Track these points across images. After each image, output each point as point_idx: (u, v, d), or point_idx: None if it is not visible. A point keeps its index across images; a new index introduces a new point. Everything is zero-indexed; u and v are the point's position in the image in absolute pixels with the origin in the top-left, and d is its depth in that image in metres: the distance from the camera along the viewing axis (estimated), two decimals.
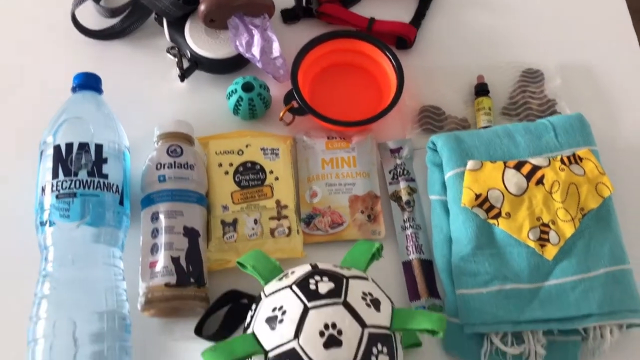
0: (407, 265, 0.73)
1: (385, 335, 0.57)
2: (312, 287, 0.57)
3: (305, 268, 0.61)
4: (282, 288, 0.59)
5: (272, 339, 0.56)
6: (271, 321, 0.57)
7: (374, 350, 0.56)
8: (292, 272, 0.61)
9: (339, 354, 0.54)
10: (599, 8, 0.90)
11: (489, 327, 0.66)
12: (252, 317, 0.60)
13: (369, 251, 0.65)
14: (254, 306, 0.60)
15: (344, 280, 0.59)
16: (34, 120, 0.73)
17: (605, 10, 0.90)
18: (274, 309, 0.57)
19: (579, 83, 0.85)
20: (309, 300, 0.56)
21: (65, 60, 0.83)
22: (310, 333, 0.55)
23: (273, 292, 0.59)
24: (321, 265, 0.61)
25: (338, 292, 0.57)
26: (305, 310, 0.56)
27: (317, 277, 0.59)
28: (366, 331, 0.56)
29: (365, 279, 0.61)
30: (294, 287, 0.58)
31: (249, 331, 0.58)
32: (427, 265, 0.73)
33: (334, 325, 0.55)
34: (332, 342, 0.55)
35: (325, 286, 0.58)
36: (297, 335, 0.55)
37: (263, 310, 0.58)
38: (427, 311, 0.61)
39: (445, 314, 0.69)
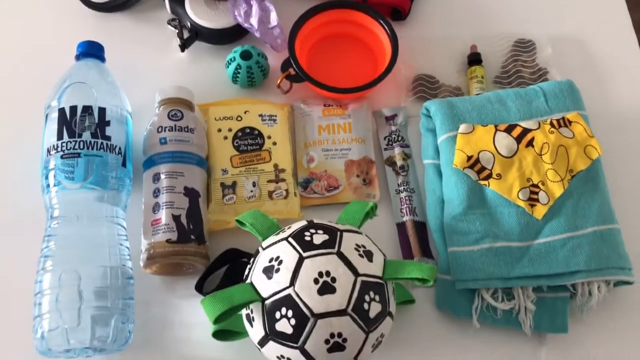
0: (401, 227, 0.75)
1: (377, 284, 0.59)
2: (307, 238, 0.60)
3: (302, 223, 0.63)
4: (279, 240, 0.61)
5: (269, 287, 0.58)
6: (268, 271, 0.59)
7: (367, 298, 0.58)
8: (289, 227, 0.63)
9: (333, 299, 0.57)
10: None
11: (479, 283, 0.68)
12: (250, 269, 0.62)
13: (363, 210, 0.67)
14: (252, 260, 0.63)
15: (338, 233, 0.61)
16: (39, 87, 0.76)
17: None
18: (270, 260, 0.59)
19: (569, 53, 0.87)
20: (304, 250, 0.59)
21: (69, 32, 0.85)
22: (305, 280, 0.57)
23: (270, 245, 0.61)
24: (317, 221, 0.63)
25: (332, 243, 0.59)
26: (301, 260, 0.58)
27: (312, 230, 0.61)
28: (359, 279, 0.58)
29: (359, 233, 0.63)
30: (290, 239, 0.60)
31: (247, 282, 0.61)
32: (421, 227, 0.75)
33: (327, 273, 0.57)
34: (326, 288, 0.57)
35: (320, 238, 0.60)
36: (292, 282, 0.57)
37: (260, 261, 0.60)
38: (417, 262, 0.62)
39: (438, 272, 0.71)
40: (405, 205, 0.75)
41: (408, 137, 0.80)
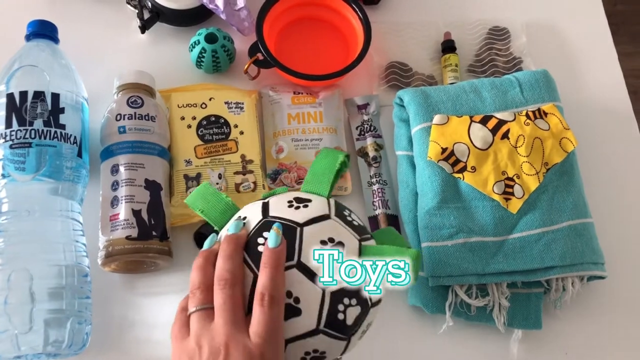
0: (373, 220, 0.72)
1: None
2: (261, 249, 0.51)
3: (256, 214, 0.54)
4: None
5: None
6: None
7: (340, 307, 0.50)
8: (245, 221, 0.54)
9: (299, 322, 0.49)
10: None
11: (453, 280, 0.66)
12: None
13: (333, 167, 0.57)
14: None
15: (298, 231, 0.51)
16: None
17: None
18: None
19: (544, 41, 0.85)
20: (258, 266, 0.50)
21: (18, 10, 0.79)
22: None
23: None
24: (272, 208, 0.54)
25: (290, 251, 0.50)
26: (255, 281, 0.50)
27: (266, 233, 0.51)
28: (327, 291, 0.50)
29: (326, 217, 0.53)
30: (245, 256, 0.51)
31: None
32: (393, 220, 0.72)
33: (289, 294, 0.49)
34: (290, 312, 0.49)
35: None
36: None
37: None
38: (399, 247, 0.53)
39: None
40: (377, 198, 0.73)
41: (380, 127, 0.78)
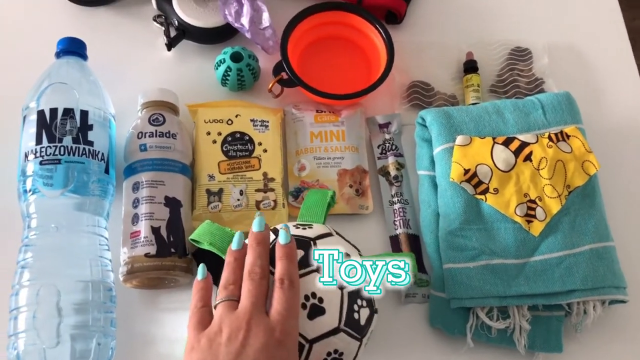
0: (394, 240, 0.73)
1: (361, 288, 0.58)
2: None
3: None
4: None
5: None
6: None
7: (355, 307, 0.57)
8: None
9: (324, 321, 0.55)
10: None
11: (475, 302, 0.66)
12: None
13: (324, 201, 0.66)
14: None
15: (312, 244, 0.58)
16: (16, 86, 0.71)
17: None
18: None
19: (566, 62, 0.85)
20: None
21: (49, 27, 0.81)
22: None
23: None
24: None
25: (308, 260, 0.57)
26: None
27: None
28: (345, 291, 0.56)
29: (330, 234, 0.61)
30: None
31: None
32: (414, 240, 0.73)
33: (314, 295, 0.55)
34: (316, 311, 0.55)
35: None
36: None
37: None
38: (394, 253, 0.62)
39: (432, 289, 0.69)
40: (398, 218, 0.73)
41: (402, 146, 0.78)
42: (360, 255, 0.61)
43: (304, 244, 0.58)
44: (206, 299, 0.55)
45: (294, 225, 0.61)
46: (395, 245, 0.72)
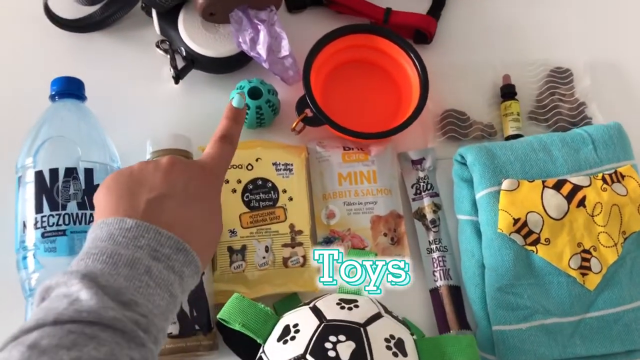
0: (434, 293, 0.66)
1: None
2: (332, 354, 0.49)
3: (310, 319, 0.53)
4: None
5: None
6: None
7: None
8: (296, 330, 0.52)
9: None
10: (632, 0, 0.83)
11: None
12: None
13: None
14: None
15: (362, 332, 0.51)
16: (4, 128, 0.63)
17: (638, 3, 0.83)
18: None
19: (608, 83, 0.78)
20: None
21: (37, 56, 0.72)
22: None
23: None
24: (326, 312, 0.53)
25: (362, 352, 0.50)
26: None
27: (332, 338, 0.51)
28: None
29: (380, 316, 0.54)
30: (310, 358, 0.50)
31: None
32: (456, 292, 0.67)
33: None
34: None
35: (346, 349, 0.50)
36: None
37: None
38: (453, 337, 0.56)
39: (480, 349, 0.64)
40: (438, 268, 0.67)
41: (437, 184, 0.71)
42: (414, 338, 0.54)
43: (353, 331, 0.51)
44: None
45: (337, 304, 0.54)
46: (436, 300, 0.66)
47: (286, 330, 0.53)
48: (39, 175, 0.57)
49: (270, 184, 0.66)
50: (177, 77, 0.69)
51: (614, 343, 0.62)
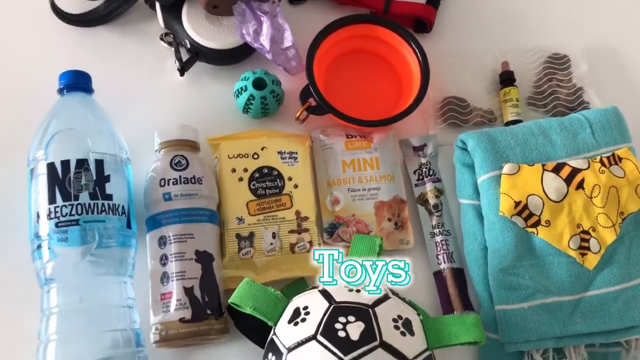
0: (438, 276, 0.68)
1: (426, 358, 0.54)
2: (342, 334, 0.51)
3: (320, 302, 0.54)
4: (306, 341, 0.51)
5: None
6: None
7: None
8: (306, 312, 0.53)
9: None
10: None
11: (531, 345, 0.63)
12: None
13: (374, 250, 0.60)
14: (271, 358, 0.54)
15: (371, 313, 0.53)
16: (15, 123, 0.64)
17: None
18: None
19: (605, 69, 0.79)
20: (345, 352, 0.50)
21: (43, 51, 0.73)
22: None
23: (295, 346, 0.52)
24: (335, 294, 0.54)
25: (371, 332, 0.51)
26: None
27: (342, 319, 0.52)
28: None
29: (387, 297, 0.55)
30: (321, 339, 0.51)
31: None
32: (459, 274, 0.68)
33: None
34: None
35: (355, 329, 0.51)
36: None
37: None
38: (458, 317, 0.56)
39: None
40: (441, 251, 0.68)
41: (439, 169, 0.73)
42: (420, 318, 0.56)
43: (362, 312, 0.52)
44: None
45: (345, 287, 0.56)
46: (440, 282, 0.68)
47: (296, 312, 0.54)
48: (50, 167, 0.58)
49: (275, 172, 0.68)
50: (182, 69, 0.71)
51: (613, 320, 0.63)
